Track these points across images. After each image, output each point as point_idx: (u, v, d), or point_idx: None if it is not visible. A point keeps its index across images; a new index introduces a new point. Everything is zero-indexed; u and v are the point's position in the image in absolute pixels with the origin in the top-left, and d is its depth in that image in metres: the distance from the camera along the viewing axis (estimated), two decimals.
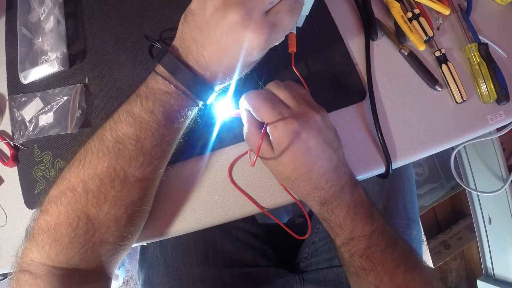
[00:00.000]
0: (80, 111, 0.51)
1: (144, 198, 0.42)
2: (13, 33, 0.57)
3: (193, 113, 0.43)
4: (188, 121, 0.44)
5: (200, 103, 0.42)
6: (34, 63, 0.55)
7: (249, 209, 0.49)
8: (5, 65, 0.57)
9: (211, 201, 0.49)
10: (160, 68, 0.40)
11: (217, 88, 0.42)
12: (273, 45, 0.38)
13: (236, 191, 0.49)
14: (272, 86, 0.44)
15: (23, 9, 0.57)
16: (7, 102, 0.55)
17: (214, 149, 0.50)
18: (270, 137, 0.41)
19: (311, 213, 0.60)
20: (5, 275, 0.61)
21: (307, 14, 0.49)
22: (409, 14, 0.55)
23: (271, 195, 0.50)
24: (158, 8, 0.56)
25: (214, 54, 0.37)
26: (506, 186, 0.73)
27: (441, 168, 1.29)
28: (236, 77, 0.41)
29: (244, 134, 0.44)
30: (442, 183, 1.29)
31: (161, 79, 0.39)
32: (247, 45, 0.35)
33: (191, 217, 0.49)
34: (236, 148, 0.51)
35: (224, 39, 0.36)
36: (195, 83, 0.39)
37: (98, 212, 0.38)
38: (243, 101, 0.43)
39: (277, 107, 0.40)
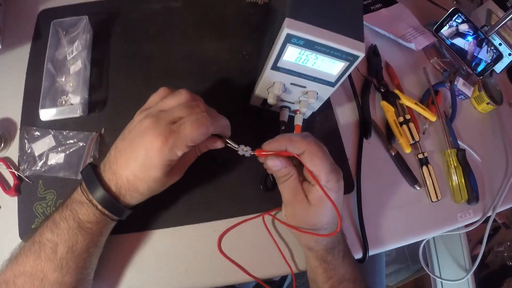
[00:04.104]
0: (92, 159, 0.53)
1: None
2: (37, 65, 0.59)
3: (108, 225, 0.45)
4: (105, 230, 0.46)
5: (113, 217, 0.44)
6: (53, 101, 0.57)
7: (239, 277, 0.52)
8: (23, 94, 0.58)
9: (204, 266, 0.52)
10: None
11: (126, 202, 0.44)
12: (175, 155, 0.40)
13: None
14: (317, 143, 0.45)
15: (53, 44, 0.60)
16: (18, 131, 0.56)
17: (212, 219, 0.54)
18: (315, 186, 0.44)
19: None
20: None
21: (314, 111, 0.55)
22: (401, 119, 0.62)
23: (263, 266, 0.53)
24: (181, 77, 0.60)
25: (124, 157, 0.41)
26: (469, 276, 0.79)
27: (408, 250, 1.35)
28: (140, 191, 0.42)
29: (283, 177, 0.46)
30: (408, 265, 1.34)
31: (79, 188, 0.43)
32: (149, 146, 0.39)
33: (184, 278, 0.51)
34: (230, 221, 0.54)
35: (134, 143, 0.41)
36: (104, 197, 0.42)
37: None
38: (299, 141, 0.43)
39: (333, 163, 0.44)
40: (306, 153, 0.42)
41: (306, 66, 0.45)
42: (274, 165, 0.44)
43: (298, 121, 0.54)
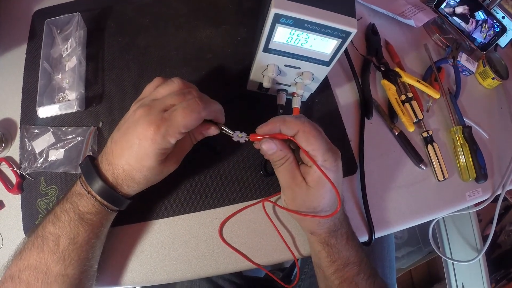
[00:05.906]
0: (90, 153, 0.54)
1: None
2: (33, 64, 0.60)
3: (108, 215, 0.45)
4: (106, 221, 0.46)
5: (112, 207, 0.44)
6: (51, 98, 0.57)
7: (241, 265, 0.52)
8: (21, 93, 0.59)
9: (207, 254, 0.52)
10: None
11: (124, 192, 0.44)
12: (168, 143, 0.40)
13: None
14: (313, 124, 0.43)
15: (47, 42, 0.60)
16: (19, 130, 0.57)
17: (212, 207, 0.54)
18: (312, 168, 0.42)
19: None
20: None
21: (312, 92, 0.54)
22: (403, 97, 0.60)
23: (265, 252, 0.53)
24: (176, 66, 0.60)
25: (120, 147, 0.41)
26: (480, 256, 0.78)
27: (420, 232, 1.33)
28: (137, 180, 0.43)
29: (279, 160, 0.44)
30: (419, 247, 1.32)
31: (78, 181, 0.44)
32: (141, 135, 0.39)
33: (187, 267, 0.51)
34: (231, 208, 0.54)
35: (128, 132, 0.41)
36: (102, 188, 0.42)
37: None
38: (293, 121, 0.42)
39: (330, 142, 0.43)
40: (301, 133, 0.41)
41: (298, 46, 0.44)
42: (269, 148, 0.42)
43: (296, 103, 0.53)
